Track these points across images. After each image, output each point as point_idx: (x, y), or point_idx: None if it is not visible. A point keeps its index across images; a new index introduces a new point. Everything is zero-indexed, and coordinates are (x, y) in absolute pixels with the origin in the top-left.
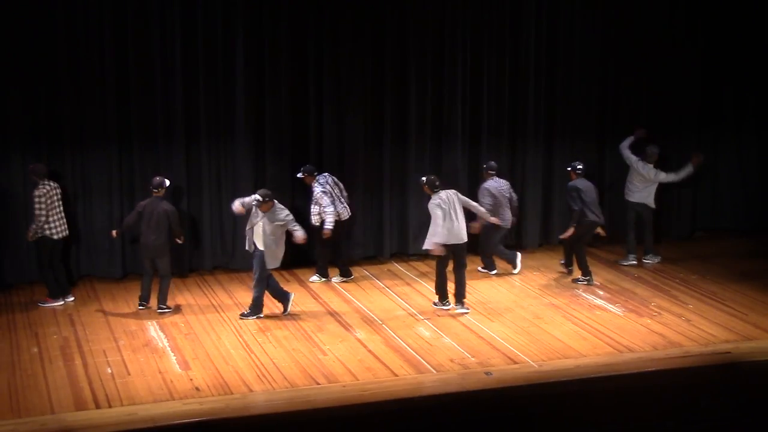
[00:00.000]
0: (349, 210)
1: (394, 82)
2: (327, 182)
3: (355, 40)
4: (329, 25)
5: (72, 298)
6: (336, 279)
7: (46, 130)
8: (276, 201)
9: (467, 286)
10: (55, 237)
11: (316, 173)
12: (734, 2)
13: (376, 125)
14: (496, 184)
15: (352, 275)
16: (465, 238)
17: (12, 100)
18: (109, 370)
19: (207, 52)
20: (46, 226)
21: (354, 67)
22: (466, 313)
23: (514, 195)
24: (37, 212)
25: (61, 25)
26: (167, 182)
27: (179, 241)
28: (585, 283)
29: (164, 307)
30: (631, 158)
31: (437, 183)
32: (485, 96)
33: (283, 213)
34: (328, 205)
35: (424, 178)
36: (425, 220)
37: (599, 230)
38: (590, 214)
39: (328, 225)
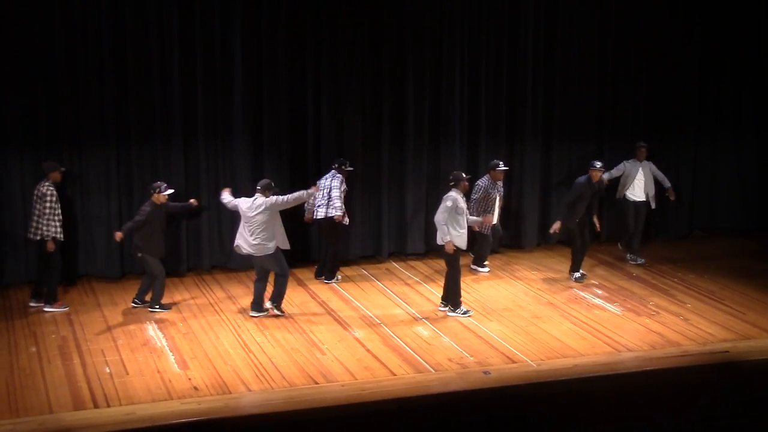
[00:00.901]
0: (317, 213)
1: (392, 82)
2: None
3: (353, 40)
4: (327, 25)
5: (35, 306)
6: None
7: (44, 130)
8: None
9: (465, 285)
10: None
11: (332, 166)
12: (732, 4)
13: (375, 125)
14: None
15: (333, 279)
16: (438, 242)
17: (10, 100)
18: (108, 370)
19: (205, 52)
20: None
21: (352, 66)
22: (456, 313)
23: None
24: None
25: (60, 25)
26: (168, 191)
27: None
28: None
29: (156, 306)
30: (639, 166)
31: (449, 178)
32: (483, 96)
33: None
34: None
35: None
36: (422, 220)
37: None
38: None
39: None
